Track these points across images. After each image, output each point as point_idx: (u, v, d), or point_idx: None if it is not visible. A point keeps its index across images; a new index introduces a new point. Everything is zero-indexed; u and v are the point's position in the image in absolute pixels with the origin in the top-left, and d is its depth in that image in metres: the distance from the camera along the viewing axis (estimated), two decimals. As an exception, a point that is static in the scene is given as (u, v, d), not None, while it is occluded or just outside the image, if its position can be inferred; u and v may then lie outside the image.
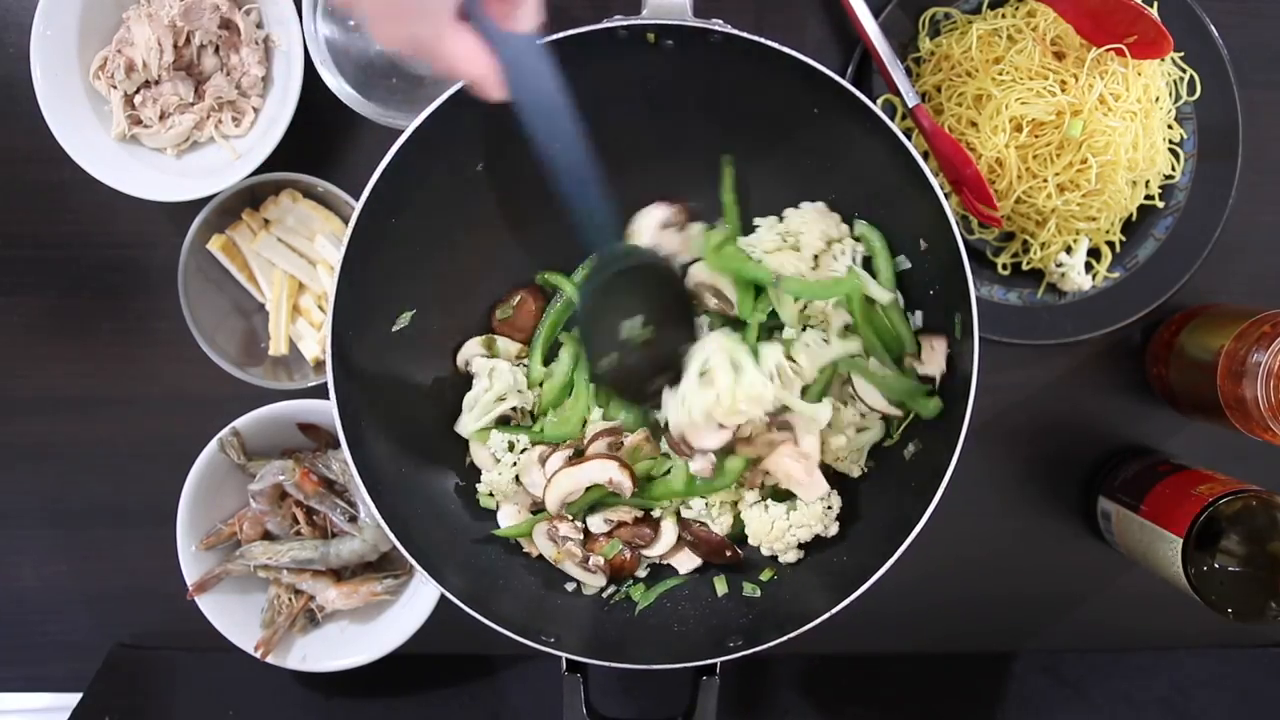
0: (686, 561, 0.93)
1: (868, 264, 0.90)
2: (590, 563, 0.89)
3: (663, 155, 0.89)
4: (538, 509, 0.92)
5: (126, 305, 1.01)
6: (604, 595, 0.91)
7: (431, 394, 0.94)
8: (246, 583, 0.97)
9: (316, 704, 1.01)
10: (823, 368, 0.89)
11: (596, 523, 0.91)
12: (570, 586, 0.91)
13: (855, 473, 0.91)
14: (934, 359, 0.86)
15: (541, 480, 0.89)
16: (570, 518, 0.90)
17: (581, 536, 0.90)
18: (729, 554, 0.91)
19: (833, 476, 0.91)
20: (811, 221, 0.90)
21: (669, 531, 0.92)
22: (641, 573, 0.93)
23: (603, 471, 0.88)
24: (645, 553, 0.92)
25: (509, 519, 0.92)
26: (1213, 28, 0.94)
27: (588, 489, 0.88)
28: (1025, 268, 0.98)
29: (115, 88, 0.93)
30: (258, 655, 0.93)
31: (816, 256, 0.90)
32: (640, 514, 0.92)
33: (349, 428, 0.81)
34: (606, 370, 0.83)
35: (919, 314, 0.89)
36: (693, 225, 0.91)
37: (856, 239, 0.91)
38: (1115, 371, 1.02)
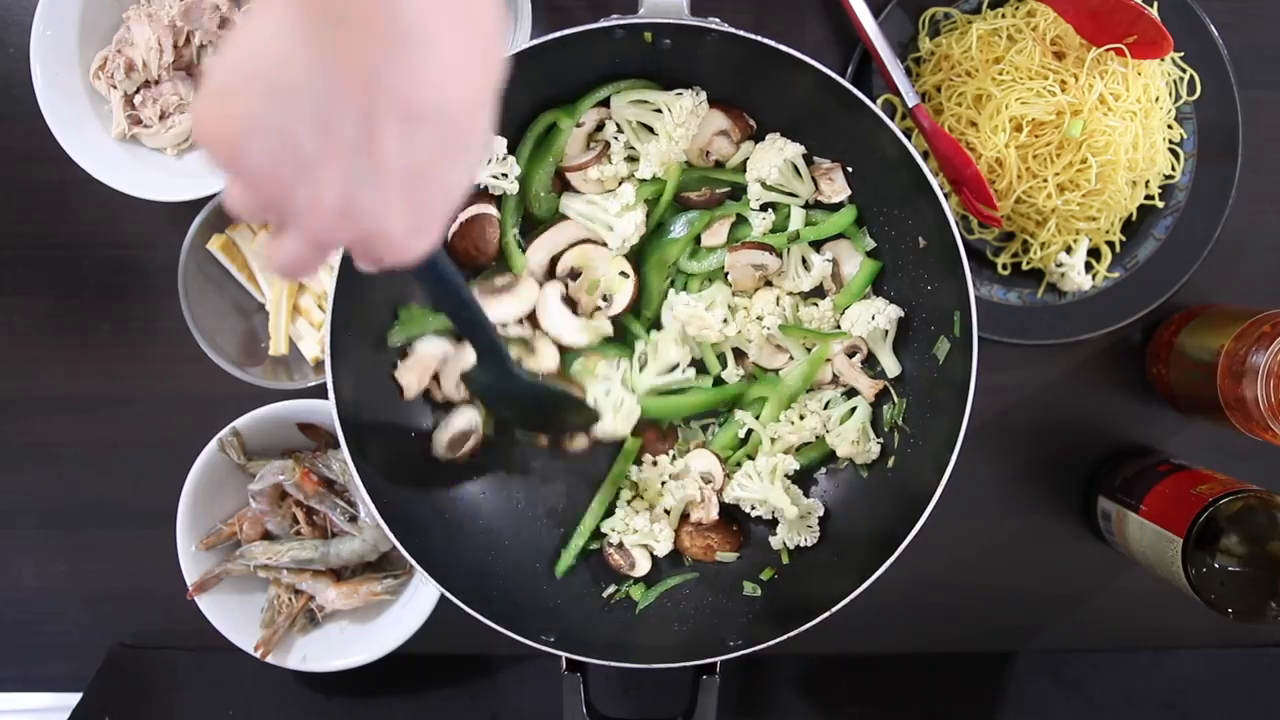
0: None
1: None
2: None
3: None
4: None
5: (127, 305, 1.01)
6: (604, 595, 0.91)
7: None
8: (246, 583, 0.97)
9: (316, 704, 1.01)
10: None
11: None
12: (564, 576, 0.91)
13: (865, 458, 0.91)
14: (834, 187, 0.89)
15: None
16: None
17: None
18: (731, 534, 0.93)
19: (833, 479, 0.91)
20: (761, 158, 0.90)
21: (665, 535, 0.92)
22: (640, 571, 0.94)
23: None
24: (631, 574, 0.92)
25: None
26: (1213, 28, 0.94)
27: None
28: (1025, 268, 0.98)
29: (115, 88, 0.93)
30: (258, 655, 0.93)
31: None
32: None
33: (349, 428, 0.81)
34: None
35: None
36: (746, 143, 0.91)
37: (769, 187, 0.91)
38: (1115, 371, 1.02)
